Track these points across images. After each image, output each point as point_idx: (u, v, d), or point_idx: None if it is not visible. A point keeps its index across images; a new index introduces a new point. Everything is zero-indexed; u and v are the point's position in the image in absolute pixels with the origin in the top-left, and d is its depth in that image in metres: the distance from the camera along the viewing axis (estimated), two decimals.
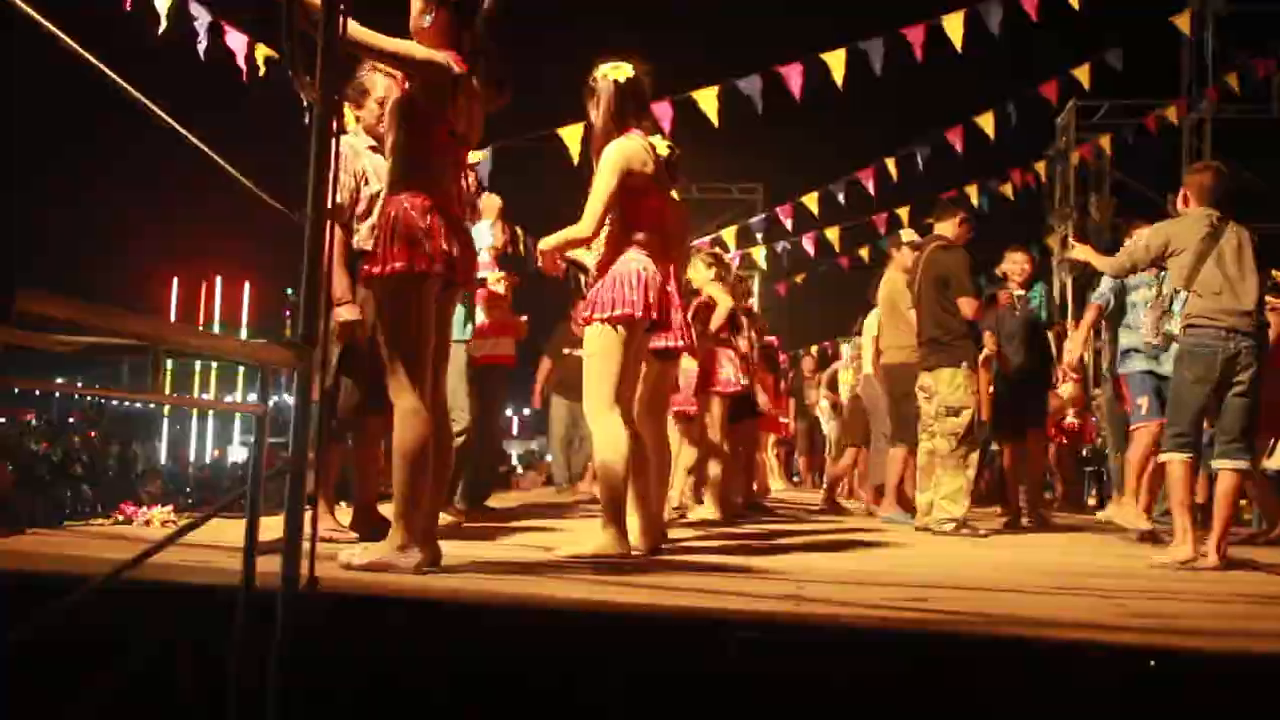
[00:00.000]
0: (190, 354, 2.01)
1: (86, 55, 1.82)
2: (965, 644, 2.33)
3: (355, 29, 3.03)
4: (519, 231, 11.60)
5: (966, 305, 5.91)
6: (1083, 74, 10.56)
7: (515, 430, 36.67)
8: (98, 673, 2.49)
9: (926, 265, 6.11)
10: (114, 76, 1.89)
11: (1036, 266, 7.48)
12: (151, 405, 38.96)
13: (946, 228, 6.24)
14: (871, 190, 11.62)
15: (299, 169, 2.44)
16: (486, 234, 5.85)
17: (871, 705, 2.37)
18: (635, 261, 3.96)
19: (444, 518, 5.15)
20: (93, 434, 20.30)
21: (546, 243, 4.08)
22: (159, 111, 2.03)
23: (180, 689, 2.54)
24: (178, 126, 2.09)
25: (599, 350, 3.94)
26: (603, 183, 3.93)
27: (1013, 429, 7.03)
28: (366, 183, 4.29)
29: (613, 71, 4.06)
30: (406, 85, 3.35)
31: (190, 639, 2.52)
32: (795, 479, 15.31)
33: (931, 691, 2.32)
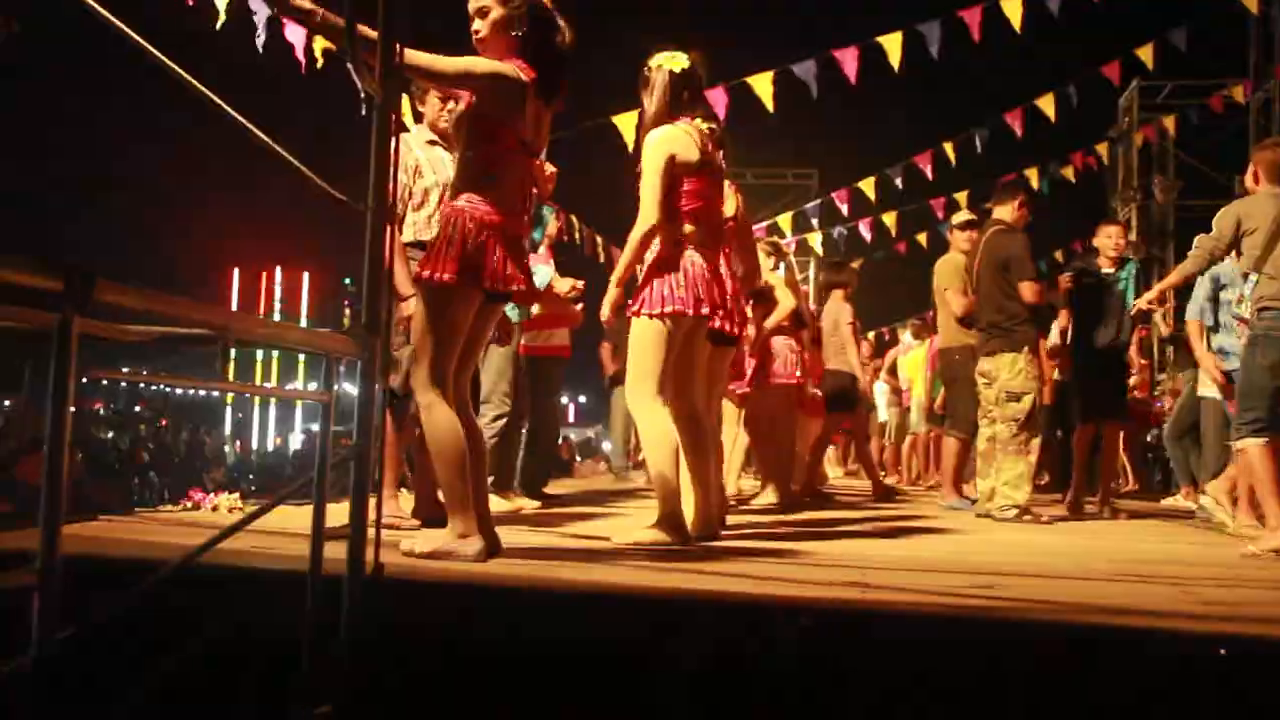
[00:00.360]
0: (257, 343, 2.04)
1: (149, 48, 1.85)
2: (1034, 631, 2.30)
3: (413, 55, 3.02)
4: (574, 219, 11.63)
5: (1028, 289, 5.82)
6: (1146, 54, 10.35)
7: (572, 418, 36.88)
8: (170, 656, 2.55)
9: (985, 249, 6.03)
10: (179, 70, 1.92)
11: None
12: (215, 394, 39.77)
13: (1005, 211, 6.15)
14: (929, 174, 11.50)
15: (351, 161, 2.46)
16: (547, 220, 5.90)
17: (938, 693, 2.36)
18: (684, 256, 3.94)
19: (503, 505, 5.22)
20: (165, 422, 20.72)
21: (611, 297, 4.06)
22: (222, 104, 2.05)
23: (250, 672, 2.59)
24: (241, 119, 2.11)
25: (644, 344, 3.93)
26: (650, 170, 3.91)
27: (1094, 413, 6.66)
28: (421, 175, 4.33)
29: (668, 61, 4.04)
30: (473, 96, 3.35)
31: (260, 623, 2.57)
32: (852, 465, 15.17)
33: (1000, 679, 2.29)
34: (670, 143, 3.94)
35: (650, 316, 3.92)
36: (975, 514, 6.00)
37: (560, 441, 19.86)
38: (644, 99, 4.11)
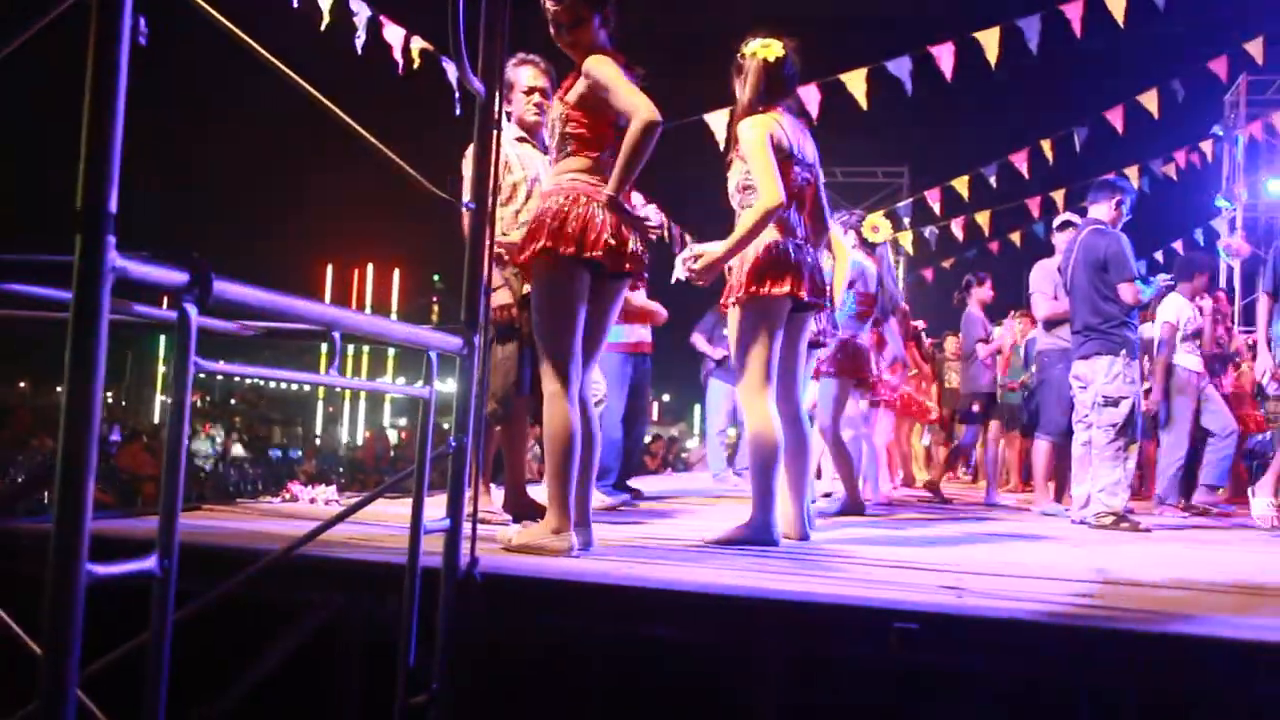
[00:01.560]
0: (363, 339, 2.08)
1: (253, 44, 1.89)
2: (1139, 645, 2.24)
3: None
4: (663, 217, 11.63)
5: (1126, 291, 5.66)
6: (1255, 48, 10.01)
7: (655, 416, 36.99)
8: (271, 643, 2.61)
9: (1081, 249, 5.87)
10: (286, 70, 1.96)
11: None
12: (306, 388, 40.70)
13: (1102, 210, 5.98)
14: (1025, 173, 11.26)
15: (434, 158, 2.49)
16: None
17: (1036, 704, 2.32)
18: (782, 241, 3.88)
19: (602, 500, 5.25)
20: (276, 418, 21.27)
21: (718, 248, 3.86)
22: (327, 102, 2.09)
23: (350, 661, 2.64)
24: (344, 116, 2.15)
25: (751, 333, 3.87)
26: (759, 149, 3.82)
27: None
28: (510, 170, 4.37)
29: (762, 50, 3.96)
30: (579, 84, 3.41)
31: (359, 612, 2.62)
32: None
33: (1101, 691, 2.24)
34: (768, 128, 3.87)
35: (752, 301, 3.85)
36: (1070, 520, 5.87)
37: (651, 440, 19.91)
38: (736, 87, 4.04)
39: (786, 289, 3.81)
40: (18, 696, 2.30)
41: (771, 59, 3.96)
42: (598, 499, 5.24)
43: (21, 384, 33.69)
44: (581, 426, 3.38)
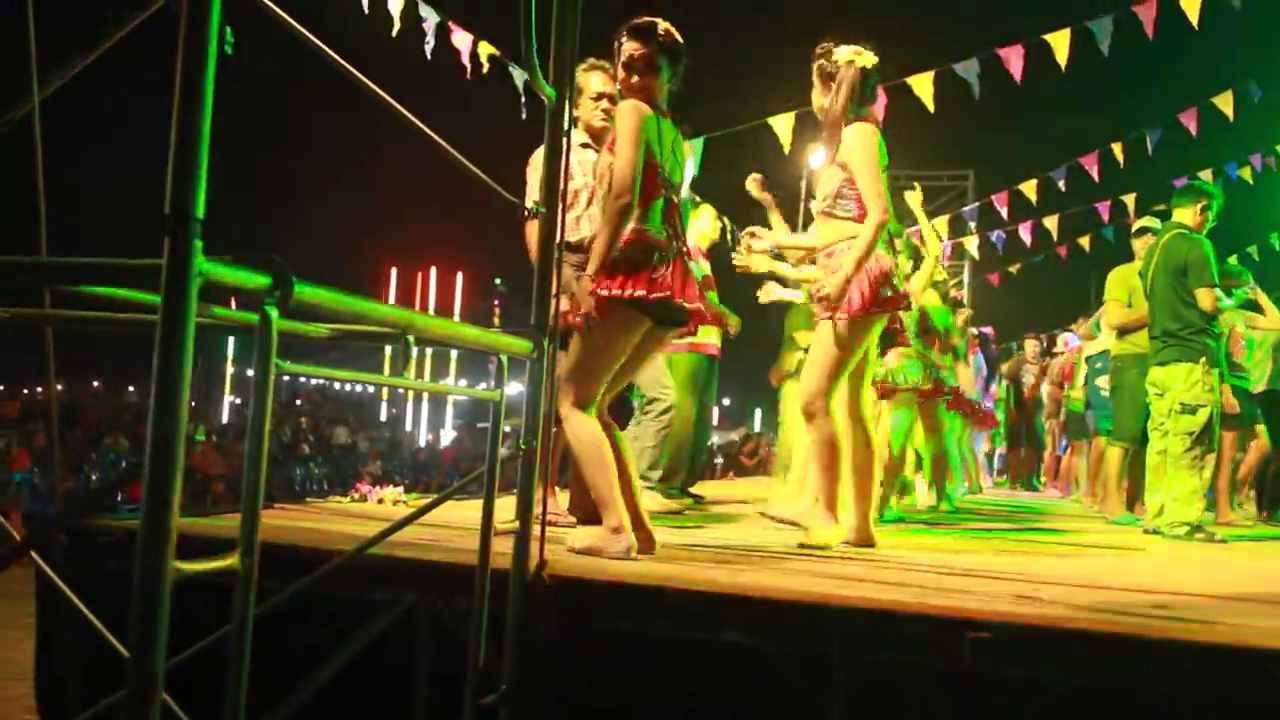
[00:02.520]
0: (435, 341, 2.10)
1: (331, 53, 1.91)
2: (1210, 656, 2.18)
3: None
4: (724, 221, 11.60)
5: (1205, 297, 5.53)
6: None
7: (716, 420, 36.91)
8: (344, 641, 2.64)
9: (1162, 253, 5.74)
10: (361, 78, 1.98)
11: None
12: (369, 389, 41.20)
13: (1186, 215, 5.85)
14: (1096, 176, 11.06)
15: (496, 163, 2.50)
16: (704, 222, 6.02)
17: (1109, 715, 2.27)
18: (883, 257, 3.86)
19: (662, 503, 5.25)
20: (354, 422, 21.60)
21: (837, 282, 3.80)
22: (399, 108, 2.11)
23: (422, 660, 2.66)
24: (417, 122, 2.17)
25: (839, 345, 3.83)
26: (871, 162, 3.82)
27: None
28: (571, 177, 4.38)
29: (857, 58, 3.93)
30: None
31: (430, 612, 2.64)
32: (995, 474, 14.59)
33: (1173, 703, 2.19)
34: (877, 137, 3.87)
35: (857, 317, 3.80)
36: (1143, 529, 5.75)
37: (742, 441, 19.80)
38: (818, 92, 4.01)
39: (894, 307, 3.86)
40: (93, 689, 2.35)
41: (868, 66, 3.94)
42: (660, 502, 5.24)
43: (95, 383, 34.47)
44: (605, 432, 3.41)
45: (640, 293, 3.29)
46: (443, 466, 18.61)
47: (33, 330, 2.34)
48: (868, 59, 3.94)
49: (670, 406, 5.33)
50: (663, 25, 3.47)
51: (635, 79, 3.47)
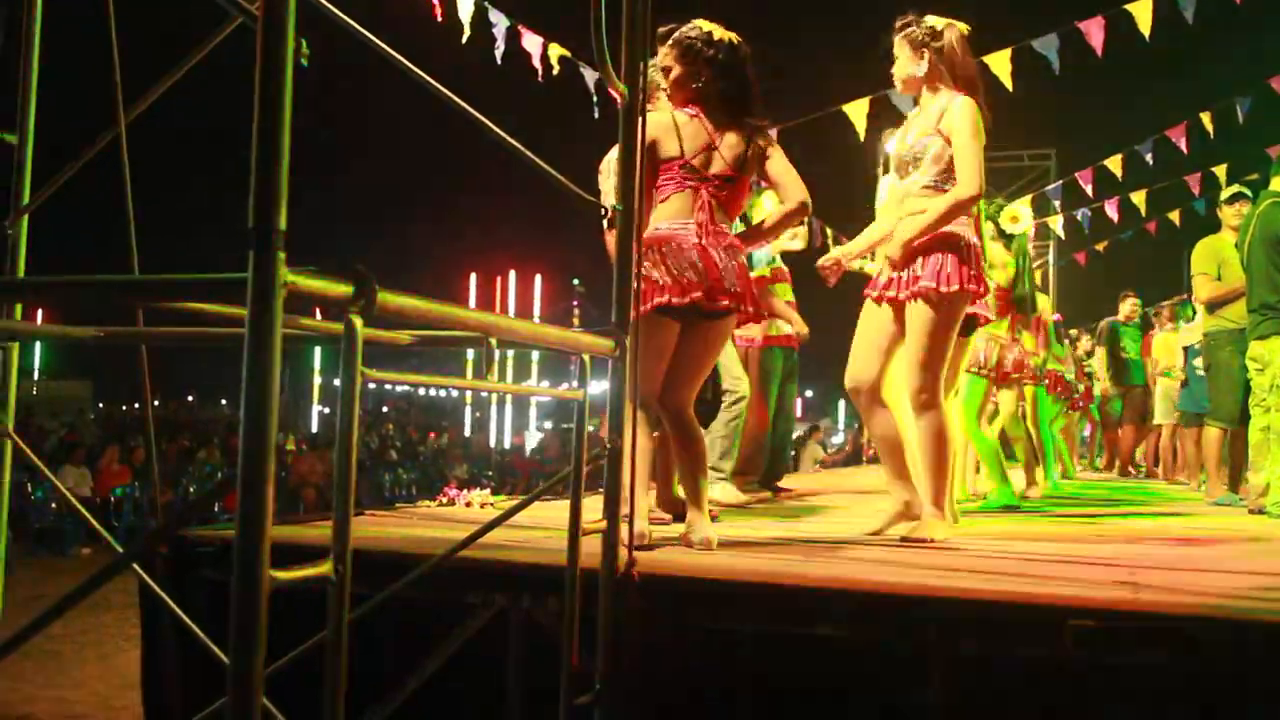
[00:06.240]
0: (519, 344, 2.10)
1: (404, 61, 1.92)
2: None
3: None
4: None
5: None
6: None
7: (799, 412, 36.65)
8: (437, 644, 2.67)
9: (1260, 223, 5.52)
10: (442, 89, 1.99)
11: None
12: (454, 393, 41.74)
13: None
14: (1184, 148, 10.71)
15: (567, 162, 2.49)
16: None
17: (1215, 702, 2.19)
18: (968, 234, 3.72)
19: (735, 495, 5.22)
20: (439, 426, 21.88)
21: (895, 250, 3.71)
22: (474, 113, 2.12)
23: (511, 662, 2.68)
24: (493, 127, 2.17)
25: (943, 328, 3.66)
26: (978, 142, 3.66)
27: None
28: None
29: (956, 25, 3.81)
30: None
31: (521, 613, 2.65)
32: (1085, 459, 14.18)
33: None
34: (978, 110, 3.71)
35: (948, 298, 3.64)
36: (1247, 510, 5.56)
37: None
38: (907, 61, 3.83)
39: (979, 287, 3.70)
40: (198, 696, 2.40)
41: (967, 33, 3.83)
42: (732, 494, 5.21)
43: (190, 397, 35.46)
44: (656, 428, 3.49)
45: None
46: (528, 467, 18.76)
47: (127, 348, 2.40)
48: (962, 26, 3.83)
49: (741, 398, 5.29)
50: (684, 28, 3.49)
51: (681, 95, 3.54)
